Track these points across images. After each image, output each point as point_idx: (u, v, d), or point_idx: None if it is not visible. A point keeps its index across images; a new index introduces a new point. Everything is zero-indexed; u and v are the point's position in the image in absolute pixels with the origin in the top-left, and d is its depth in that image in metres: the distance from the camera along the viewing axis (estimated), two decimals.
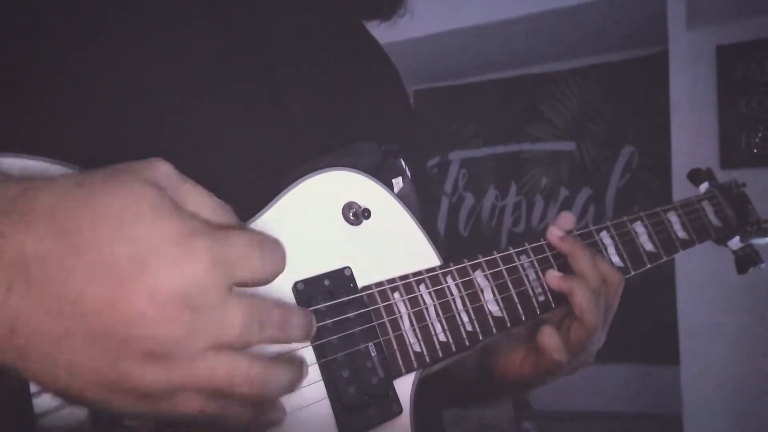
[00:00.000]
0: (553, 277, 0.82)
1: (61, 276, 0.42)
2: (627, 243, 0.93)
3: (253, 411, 0.50)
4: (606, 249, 0.90)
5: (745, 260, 1.17)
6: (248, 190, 0.66)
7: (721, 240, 1.14)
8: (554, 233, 0.85)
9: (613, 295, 0.84)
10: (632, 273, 0.92)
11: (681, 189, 2.76)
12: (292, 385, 0.51)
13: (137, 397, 0.45)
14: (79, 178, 0.46)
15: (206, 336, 0.45)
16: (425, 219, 0.82)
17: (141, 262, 0.43)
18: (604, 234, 0.91)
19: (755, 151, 2.77)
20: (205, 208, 0.50)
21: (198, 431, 0.48)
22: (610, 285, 0.83)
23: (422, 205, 0.84)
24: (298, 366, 0.52)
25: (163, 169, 0.48)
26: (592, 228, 0.91)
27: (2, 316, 0.42)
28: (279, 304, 0.51)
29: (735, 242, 1.15)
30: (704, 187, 1.17)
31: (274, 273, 0.51)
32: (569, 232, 0.86)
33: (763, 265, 1.18)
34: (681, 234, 1.01)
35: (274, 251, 0.50)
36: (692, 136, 2.87)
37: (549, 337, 0.79)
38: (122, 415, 0.47)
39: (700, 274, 2.79)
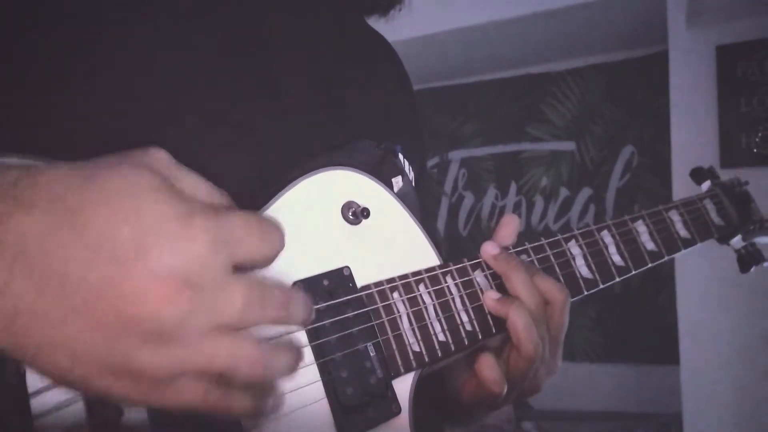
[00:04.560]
0: (490, 299, 0.76)
1: (61, 258, 0.42)
2: (628, 242, 0.92)
3: (254, 400, 0.49)
4: (607, 248, 0.90)
5: (748, 259, 1.16)
6: (247, 189, 0.66)
7: (724, 239, 1.13)
8: (487, 252, 0.78)
9: (559, 316, 0.77)
10: (633, 272, 0.92)
11: (681, 189, 2.75)
12: (292, 368, 0.51)
13: (138, 382, 0.44)
14: (78, 164, 0.46)
15: (207, 315, 0.44)
16: (425, 219, 0.81)
17: (140, 242, 0.43)
18: (605, 233, 0.91)
19: (755, 150, 2.76)
20: (200, 192, 0.50)
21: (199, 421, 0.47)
22: (554, 305, 0.77)
23: (423, 205, 0.84)
24: (296, 349, 0.51)
25: (159, 156, 0.49)
26: (593, 227, 0.90)
27: (5, 299, 0.41)
28: (279, 283, 0.50)
29: (737, 241, 1.14)
30: (706, 185, 1.16)
31: (274, 252, 0.50)
32: (506, 249, 0.80)
33: (766, 264, 1.17)
34: (683, 233, 1.01)
35: (273, 231, 0.50)
36: (692, 136, 2.87)
37: (487, 369, 0.73)
38: (123, 402, 0.46)
39: (700, 274, 2.78)
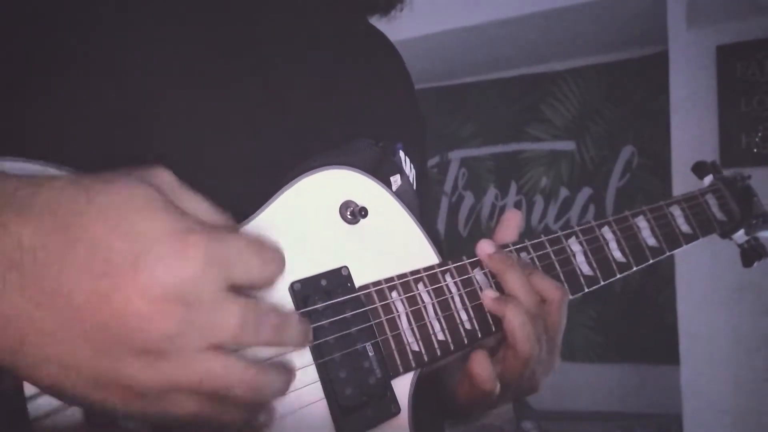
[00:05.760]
0: (488, 297, 0.75)
1: (55, 269, 0.42)
2: (629, 238, 0.92)
3: (246, 414, 0.49)
4: (607, 244, 0.89)
5: (751, 253, 1.15)
6: (246, 189, 0.66)
7: (726, 233, 1.12)
8: (483, 250, 0.77)
9: (556, 315, 0.76)
10: (634, 268, 0.91)
11: (681, 189, 2.74)
12: (285, 390, 0.51)
13: (131, 395, 0.44)
14: (80, 177, 0.46)
15: (200, 334, 0.44)
16: (425, 217, 0.81)
17: (135, 258, 0.43)
18: (605, 229, 0.90)
19: (755, 150, 2.77)
20: (202, 213, 0.50)
21: None
22: (551, 304, 0.76)
23: (422, 203, 0.83)
24: (289, 370, 0.51)
25: (163, 175, 0.49)
26: (594, 223, 0.90)
27: None
28: (276, 307, 0.50)
29: (740, 235, 1.13)
30: (708, 179, 1.15)
31: (273, 276, 0.50)
32: (504, 246, 0.80)
33: None
34: (684, 228, 1.00)
35: (272, 254, 0.50)
36: (692, 135, 2.87)
37: (479, 366, 0.71)
38: (116, 414, 0.46)
39: (701, 274, 2.78)
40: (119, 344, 0.43)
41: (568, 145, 3.79)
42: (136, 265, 0.43)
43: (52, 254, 0.42)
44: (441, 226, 4.12)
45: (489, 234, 0.83)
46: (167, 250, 0.44)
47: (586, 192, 3.75)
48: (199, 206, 0.50)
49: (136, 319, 0.42)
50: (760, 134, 2.77)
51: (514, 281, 0.75)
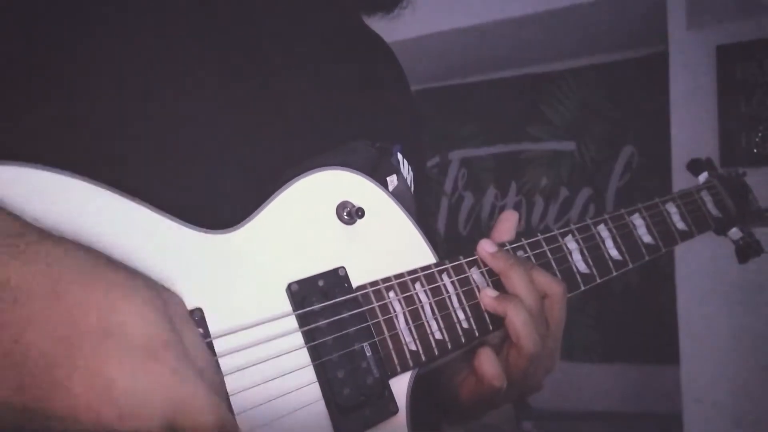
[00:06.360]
0: (487, 297, 0.75)
1: (25, 315, 0.40)
2: (625, 236, 0.92)
3: None
4: (604, 242, 0.89)
5: (746, 250, 1.14)
6: (243, 190, 0.66)
7: (721, 230, 1.12)
8: (485, 249, 0.77)
9: (557, 310, 0.77)
10: (630, 266, 0.91)
11: (681, 188, 2.75)
12: None
13: None
14: (95, 251, 0.45)
15: None
16: (425, 218, 0.81)
17: (102, 338, 0.41)
18: (601, 227, 0.90)
19: (755, 150, 2.76)
20: (194, 347, 0.47)
21: None
22: (552, 299, 0.76)
23: (421, 203, 0.84)
24: None
25: (177, 297, 0.47)
26: (590, 221, 0.90)
27: None
28: None
29: (735, 232, 1.13)
30: (704, 177, 1.15)
31: None
32: (502, 245, 0.80)
33: (764, 254, 1.15)
34: (680, 225, 1.00)
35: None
36: (692, 135, 2.86)
37: (486, 363, 0.71)
38: None
39: (700, 274, 2.78)
40: (42, 412, 0.40)
41: (568, 145, 3.80)
42: (98, 346, 0.41)
43: (31, 302, 0.41)
44: (441, 226, 4.13)
45: (489, 234, 0.83)
46: (137, 349, 0.42)
47: (586, 192, 3.75)
48: (196, 341, 0.47)
49: (68, 402, 0.40)
50: (760, 134, 2.77)
51: (516, 280, 0.75)
